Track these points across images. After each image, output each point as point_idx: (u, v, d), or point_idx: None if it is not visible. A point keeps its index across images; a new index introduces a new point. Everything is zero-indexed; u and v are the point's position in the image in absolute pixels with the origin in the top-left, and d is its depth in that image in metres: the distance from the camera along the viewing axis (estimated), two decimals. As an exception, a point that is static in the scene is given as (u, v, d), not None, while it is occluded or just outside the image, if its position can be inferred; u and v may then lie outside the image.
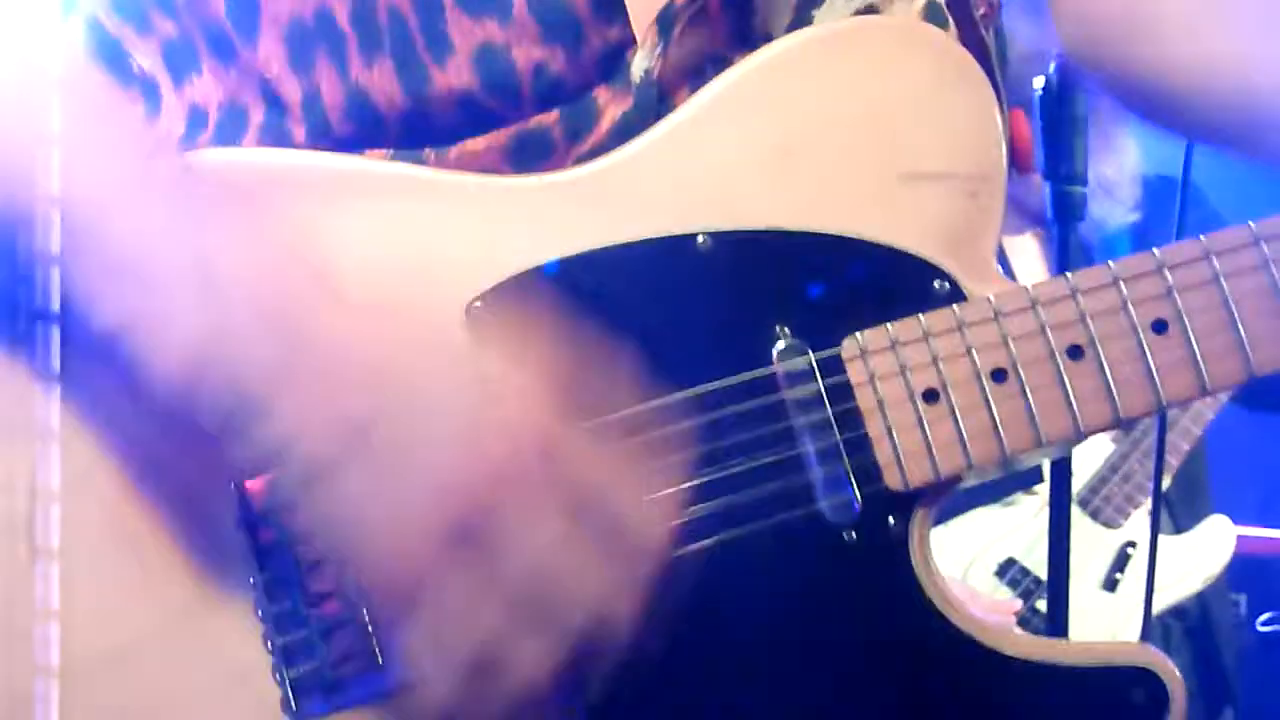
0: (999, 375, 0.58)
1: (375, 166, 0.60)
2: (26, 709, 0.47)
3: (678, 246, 0.58)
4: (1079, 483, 1.98)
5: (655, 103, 0.62)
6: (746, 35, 0.64)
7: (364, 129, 0.61)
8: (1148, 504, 1.92)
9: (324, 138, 0.61)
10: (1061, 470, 1.31)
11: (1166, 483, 1.82)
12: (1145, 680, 0.58)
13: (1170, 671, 0.58)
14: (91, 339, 0.52)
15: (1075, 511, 1.54)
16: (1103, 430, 0.62)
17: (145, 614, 0.56)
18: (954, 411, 0.58)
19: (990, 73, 0.63)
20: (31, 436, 0.50)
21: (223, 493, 0.56)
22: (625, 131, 0.61)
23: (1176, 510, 2.11)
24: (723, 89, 0.61)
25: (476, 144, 0.61)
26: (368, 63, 0.61)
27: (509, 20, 0.60)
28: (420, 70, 0.61)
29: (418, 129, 0.61)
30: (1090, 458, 2.06)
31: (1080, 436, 0.60)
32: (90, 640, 0.52)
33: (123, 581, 0.55)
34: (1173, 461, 2.00)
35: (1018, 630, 0.67)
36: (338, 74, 0.61)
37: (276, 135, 0.62)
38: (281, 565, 0.56)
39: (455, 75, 0.60)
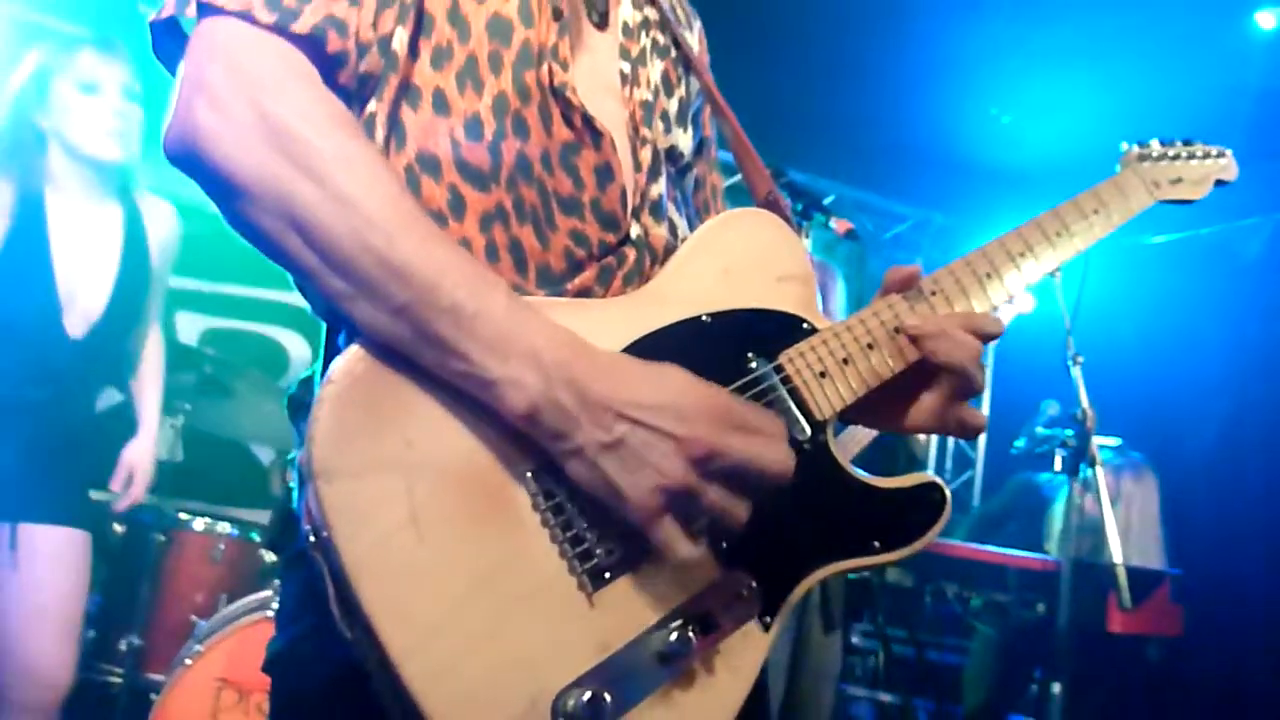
0: (845, 361, 1.10)
1: (565, 301, 1.02)
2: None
3: (694, 323, 1.04)
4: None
5: (653, 252, 1.11)
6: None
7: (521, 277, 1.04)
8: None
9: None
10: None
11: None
12: (935, 488, 1.08)
13: (943, 484, 1.09)
14: (466, 381, 0.88)
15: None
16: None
17: (485, 550, 0.88)
18: (830, 378, 1.09)
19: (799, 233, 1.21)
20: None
21: (525, 466, 0.91)
22: (641, 268, 1.09)
23: None
24: (692, 242, 1.10)
25: (584, 279, 1.05)
26: (517, 233, 1.04)
27: (584, 219, 1.06)
28: (546, 242, 1.05)
29: (548, 276, 1.04)
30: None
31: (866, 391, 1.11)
32: (462, 566, 0.86)
33: (468, 527, 0.88)
34: None
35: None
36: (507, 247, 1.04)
37: None
38: (569, 511, 0.91)
39: (560, 243, 1.05)
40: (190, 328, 4.80)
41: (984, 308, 1.15)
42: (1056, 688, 3.25)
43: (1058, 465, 4.48)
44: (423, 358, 0.88)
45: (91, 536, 2.65)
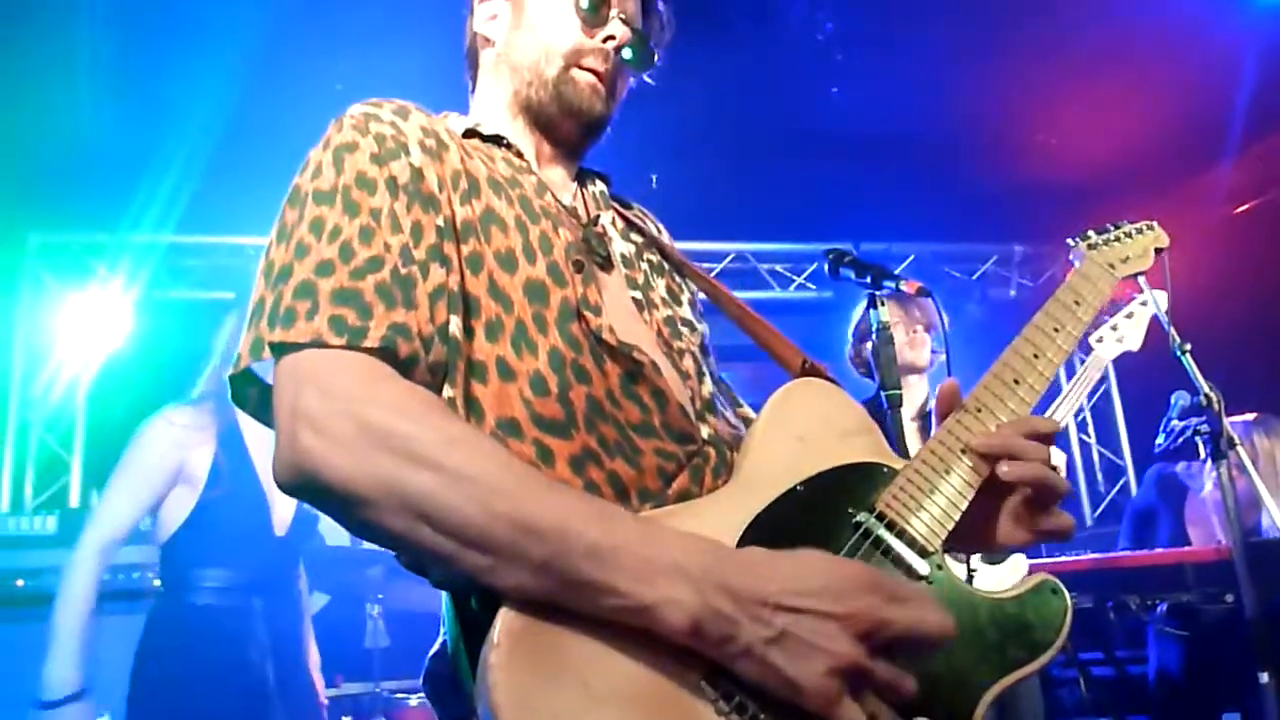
0: (932, 491, 1.11)
1: (674, 509, 1.05)
2: None
3: (791, 495, 1.06)
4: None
5: (727, 443, 1.16)
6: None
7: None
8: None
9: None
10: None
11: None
12: (1049, 583, 1.10)
13: (1054, 578, 1.11)
14: (621, 614, 0.87)
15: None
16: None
17: None
18: (926, 511, 1.09)
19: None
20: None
21: (696, 674, 0.90)
22: (724, 460, 1.14)
23: None
24: (761, 423, 1.14)
25: (680, 484, 1.09)
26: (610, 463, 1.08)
27: (662, 438, 1.11)
28: (638, 467, 1.09)
29: (649, 494, 1.08)
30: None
31: None
32: None
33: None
34: None
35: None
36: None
37: None
38: (751, 708, 0.90)
39: (650, 463, 1.09)
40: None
41: (1023, 411, 1.17)
42: (1264, 677, 3.08)
43: (1202, 454, 4.31)
44: (574, 603, 0.87)
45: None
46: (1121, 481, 6.55)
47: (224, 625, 2.77)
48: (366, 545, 4.83)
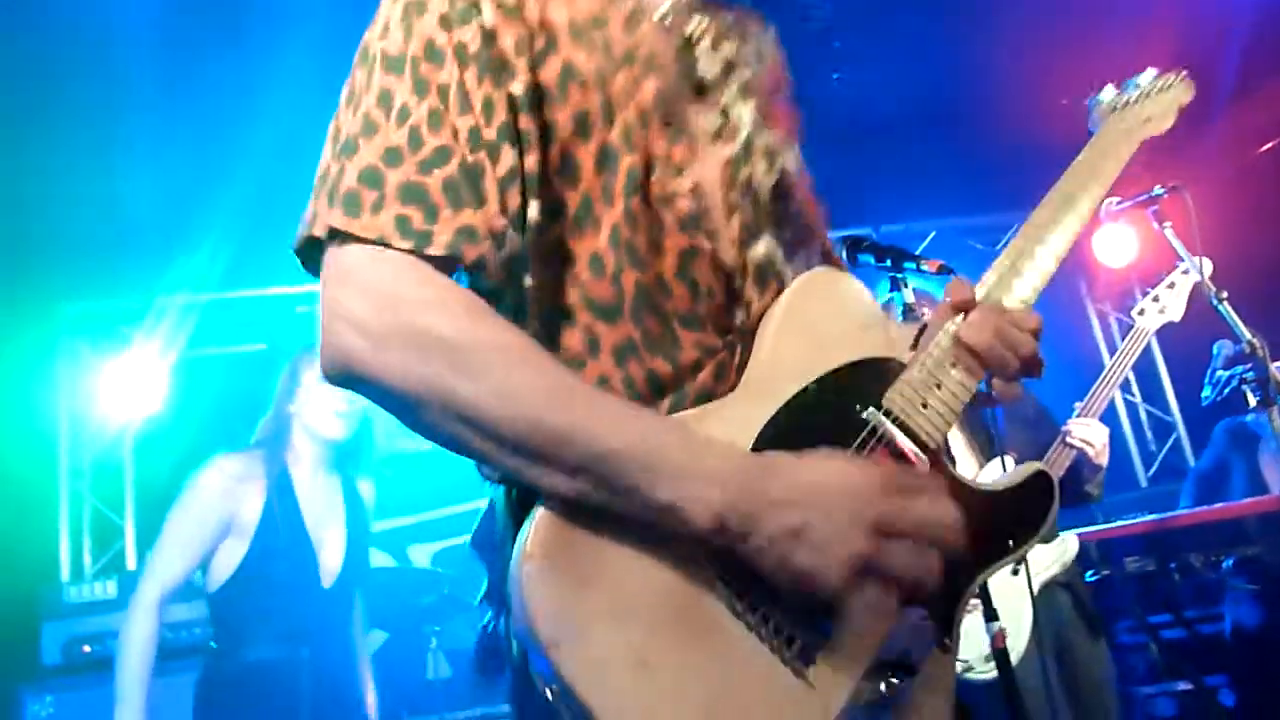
0: (937, 386, 1.13)
1: (694, 414, 1.05)
2: None
3: (802, 396, 1.08)
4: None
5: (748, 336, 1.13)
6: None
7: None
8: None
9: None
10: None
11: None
12: (1042, 475, 1.17)
13: (1047, 469, 1.17)
14: (651, 512, 0.93)
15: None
16: None
17: (708, 669, 0.94)
18: (931, 406, 1.12)
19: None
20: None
21: (713, 575, 0.96)
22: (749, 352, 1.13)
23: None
24: (777, 317, 1.12)
25: (704, 381, 1.09)
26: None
27: (704, 329, 1.11)
28: (675, 364, 1.09)
29: (677, 388, 1.08)
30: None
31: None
32: (695, 692, 0.93)
33: (687, 654, 0.94)
34: None
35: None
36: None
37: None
38: (764, 605, 0.97)
39: (686, 358, 1.09)
40: (422, 555, 5.13)
41: (1030, 297, 1.19)
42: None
43: (1251, 402, 4.20)
44: (609, 503, 0.93)
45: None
46: (1172, 438, 6.40)
47: (273, 679, 2.76)
48: (415, 566, 4.85)
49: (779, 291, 1.15)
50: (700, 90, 1.16)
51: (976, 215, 6.40)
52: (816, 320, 1.14)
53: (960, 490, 1.09)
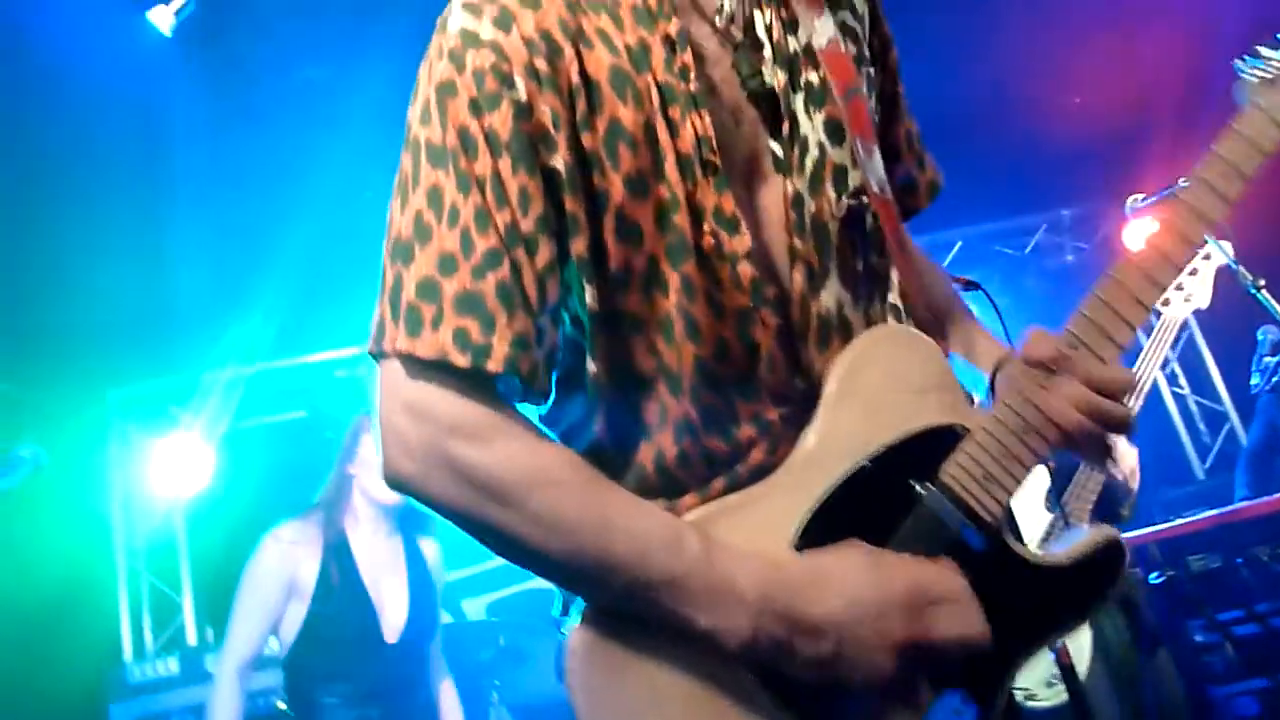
0: (1003, 456, 1.06)
1: (736, 500, 1.06)
2: None
3: (858, 475, 1.05)
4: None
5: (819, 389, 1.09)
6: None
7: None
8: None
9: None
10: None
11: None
12: (1113, 545, 1.08)
13: (1115, 532, 1.08)
14: (686, 632, 0.96)
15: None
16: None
17: None
18: (993, 478, 1.06)
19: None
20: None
21: (753, 675, 0.99)
22: (809, 412, 1.08)
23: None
24: (832, 389, 1.07)
25: (756, 456, 1.06)
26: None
27: (760, 399, 1.07)
28: (732, 439, 1.07)
29: (731, 466, 1.07)
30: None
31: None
32: None
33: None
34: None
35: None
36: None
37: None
38: (803, 702, 0.99)
39: (744, 434, 1.07)
40: (477, 608, 5.12)
41: (1111, 356, 1.05)
42: None
43: (1299, 386, 4.10)
44: (643, 616, 0.97)
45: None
46: (1226, 428, 6.25)
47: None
48: (470, 619, 4.84)
49: (843, 346, 1.09)
50: (764, 102, 1.07)
51: (1001, 220, 6.34)
52: (874, 388, 1.07)
53: (1017, 567, 1.06)
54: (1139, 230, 5.58)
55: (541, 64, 0.99)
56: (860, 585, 0.97)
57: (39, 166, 3.95)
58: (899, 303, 1.18)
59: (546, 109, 0.98)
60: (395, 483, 1.01)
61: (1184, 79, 4.97)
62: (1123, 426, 1.03)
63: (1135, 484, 3.08)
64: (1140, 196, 3.27)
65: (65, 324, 4.46)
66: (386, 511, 3.07)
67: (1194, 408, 6.40)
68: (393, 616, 2.97)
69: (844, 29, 1.15)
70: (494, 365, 0.96)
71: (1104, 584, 1.08)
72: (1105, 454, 1.07)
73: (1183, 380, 6.46)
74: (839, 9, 1.16)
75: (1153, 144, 4.93)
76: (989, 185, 5.68)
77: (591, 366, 1.04)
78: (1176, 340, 6.05)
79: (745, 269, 1.02)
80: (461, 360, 0.96)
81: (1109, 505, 3.12)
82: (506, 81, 0.98)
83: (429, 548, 3.22)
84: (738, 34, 1.08)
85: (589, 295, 1.01)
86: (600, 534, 0.97)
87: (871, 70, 1.21)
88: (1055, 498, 2.95)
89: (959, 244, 6.13)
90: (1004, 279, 6.12)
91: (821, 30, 1.11)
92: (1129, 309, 1.05)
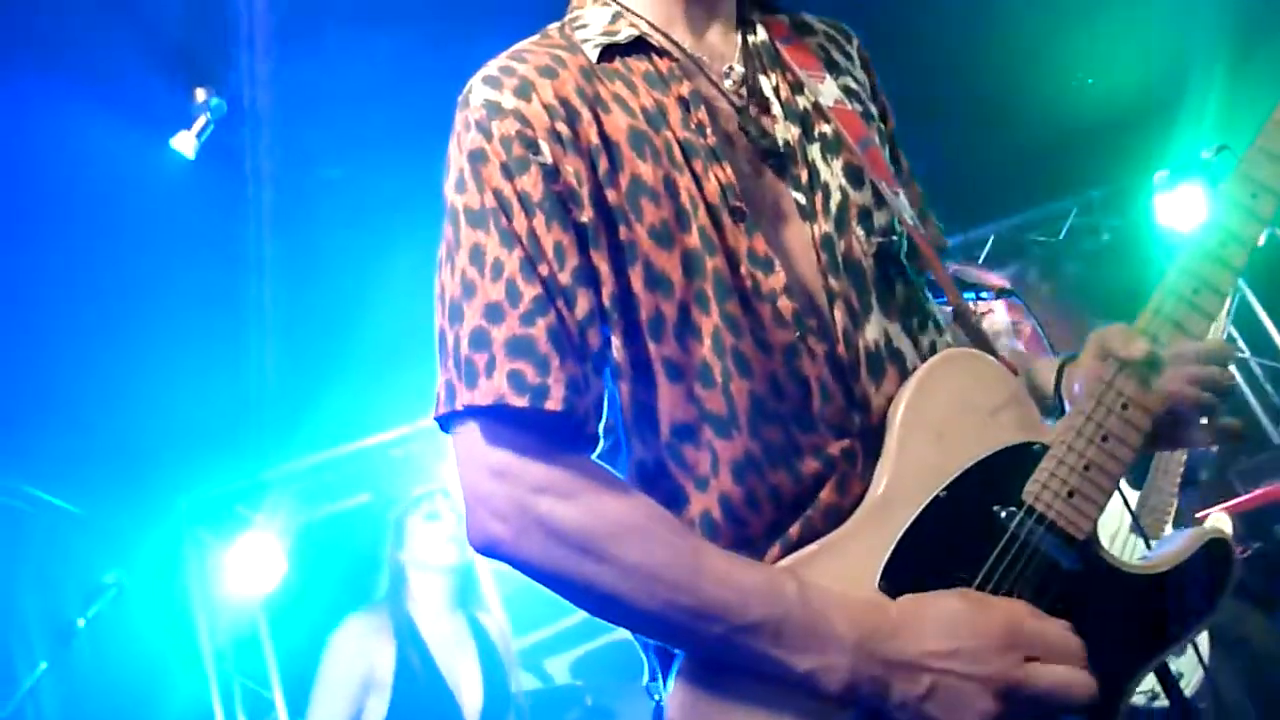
0: (1086, 468, 1.04)
1: (817, 549, 1.04)
2: None
3: (934, 508, 1.03)
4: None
5: (877, 425, 1.08)
6: None
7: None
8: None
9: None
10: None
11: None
12: (1219, 544, 1.04)
13: (1219, 530, 1.03)
14: (784, 678, 0.96)
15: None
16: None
17: None
18: (1079, 493, 1.04)
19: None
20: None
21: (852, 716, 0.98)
22: (874, 451, 1.07)
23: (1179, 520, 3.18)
24: (898, 426, 1.05)
25: (826, 499, 1.05)
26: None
27: (820, 432, 1.06)
28: (797, 475, 1.06)
29: (800, 508, 1.06)
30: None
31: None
32: None
33: None
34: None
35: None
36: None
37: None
38: None
39: (809, 469, 1.06)
40: (560, 666, 5.08)
41: (1202, 332, 1.05)
42: None
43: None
44: (741, 664, 0.97)
45: None
46: (1293, 402, 6.06)
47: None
48: (554, 682, 4.79)
49: (898, 376, 1.09)
50: (779, 158, 1.12)
51: (1031, 209, 6.27)
52: (942, 415, 1.05)
53: (1115, 580, 1.04)
54: (1171, 201, 5.49)
55: (563, 128, 1.04)
56: (957, 625, 0.97)
57: (84, 295, 4.07)
58: (953, 326, 1.19)
59: (571, 169, 1.04)
60: (486, 548, 1.00)
61: (1198, 39, 4.90)
62: (1228, 392, 1.07)
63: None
64: (1165, 173, 3.22)
65: (130, 442, 4.55)
66: (447, 586, 3.09)
67: (1257, 370, 6.21)
68: (469, 698, 2.97)
69: (847, 91, 1.20)
70: (553, 404, 0.98)
71: (1214, 589, 1.03)
72: (1214, 424, 1.07)
73: (1240, 343, 6.28)
74: (839, 75, 1.21)
75: (1172, 110, 4.86)
76: (1014, 176, 5.62)
77: (627, 418, 1.06)
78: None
79: (785, 303, 1.05)
80: (519, 401, 0.97)
81: (1193, 472, 3.09)
82: (532, 147, 1.03)
83: (491, 622, 3.22)
84: (745, 97, 1.13)
85: (616, 345, 1.04)
86: (695, 582, 0.96)
87: (883, 126, 1.25)
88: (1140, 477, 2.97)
89: (991, 239, 6.06)
90: (1042, 267, 6.03)
91: (826, 92, 1.16)
92: (1217, 276, 1.06)
